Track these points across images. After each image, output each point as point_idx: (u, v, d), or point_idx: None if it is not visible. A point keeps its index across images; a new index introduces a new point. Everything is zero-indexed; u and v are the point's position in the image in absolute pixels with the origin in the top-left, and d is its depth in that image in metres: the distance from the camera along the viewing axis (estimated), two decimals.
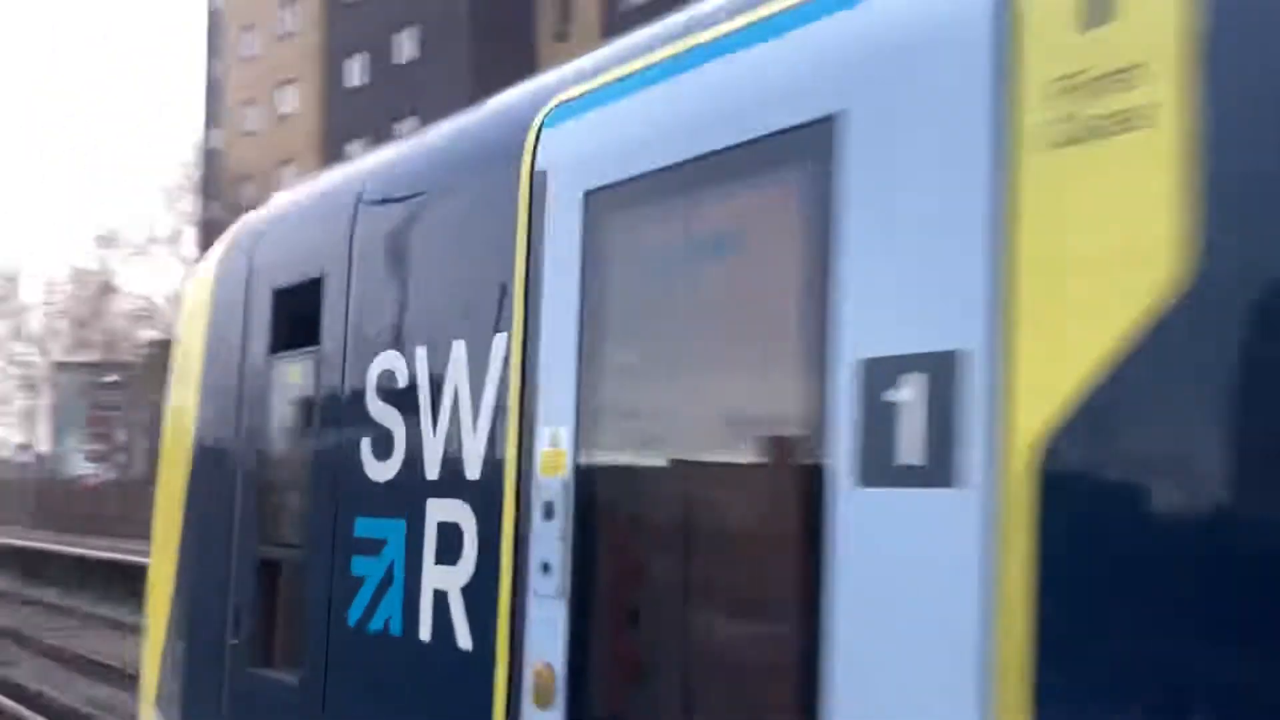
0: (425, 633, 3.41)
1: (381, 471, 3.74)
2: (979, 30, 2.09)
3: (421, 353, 3.59)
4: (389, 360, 3.74)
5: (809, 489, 2.28)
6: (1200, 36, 1.77)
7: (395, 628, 3.57)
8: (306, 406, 4.29)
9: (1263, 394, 1.67)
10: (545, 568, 2.92)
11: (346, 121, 46.99)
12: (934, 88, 2.19)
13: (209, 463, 5.00)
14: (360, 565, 3.77)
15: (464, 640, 3.25)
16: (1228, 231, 1.72)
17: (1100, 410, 1.83)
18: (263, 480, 4.58)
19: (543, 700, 2.88)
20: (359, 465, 3.82)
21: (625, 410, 2.93)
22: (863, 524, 2.19)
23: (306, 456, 4.29)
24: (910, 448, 2.11)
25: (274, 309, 4.52)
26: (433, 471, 3.48)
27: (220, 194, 54.56)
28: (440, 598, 3.37)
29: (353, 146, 40.88)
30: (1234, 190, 1.73)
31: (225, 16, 59.35)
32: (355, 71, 48.14)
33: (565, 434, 2.93)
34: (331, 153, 43.42)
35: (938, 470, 2.06)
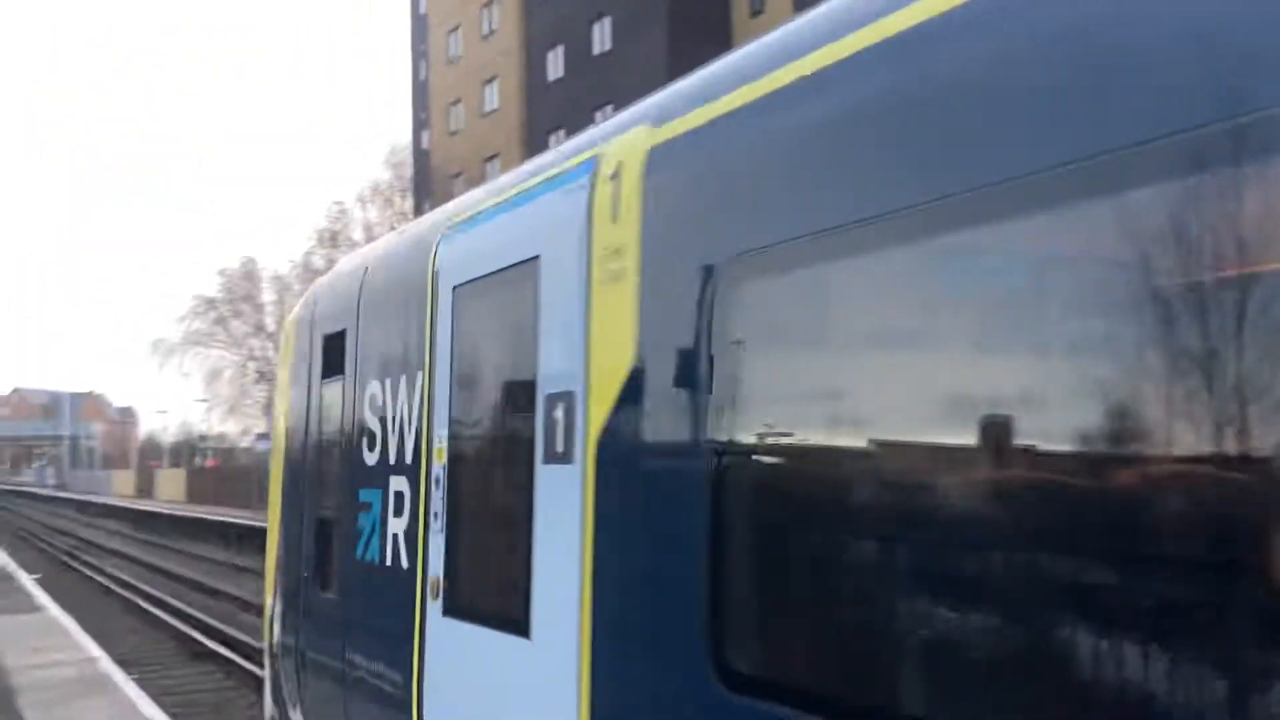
0: (389, 561, 5.32)
1: (371, 459, 5.66)
2: (580, 218, 3.88)
3: (388, 382, 5.51)
4: (374, 386, 5.70)
5: (529, 463, 4.04)
6: (643, 236, 3.54)
7: (376, 559, 5.49)
8: (339, 415, 6.23)
9: (677, 413, 3.36)
10: (436, 516, 4.82)
11: (548, 114, 48.20)
12: (565, 247, 3.95)
13: (292, 455, 7.14)
14: (361, 520, 5.69)
15: (404, 563, 5.12)
16: (652, 333, 3.46)
17: (614, 421, 3.60)
18: (319, 466, 6.61)
19: (434, 595, 4.76)
20: (361, 454, 5.77)
21: (463, 420, 4.77)
22: (545, 483, 3.96)
23: (338, 449, 6.22)
24: (559, 442, 3.87)
25: (324, 349, 6.52)
26: (392, 459, 5.38)
27: (431, 191, 56.99)
28: (394, 538, 5.27)
29: (555, 137, 41.90)
30: (655, 314, 3.46)
31: (430, 21, 61.82)
32: (554, 65, 49.26)
33: (444, 436, 4.83)
34: (535, 145, 44.64)
35: (566, 453, 3.82)
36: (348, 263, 6.99)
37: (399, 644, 5.02)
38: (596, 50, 46.23)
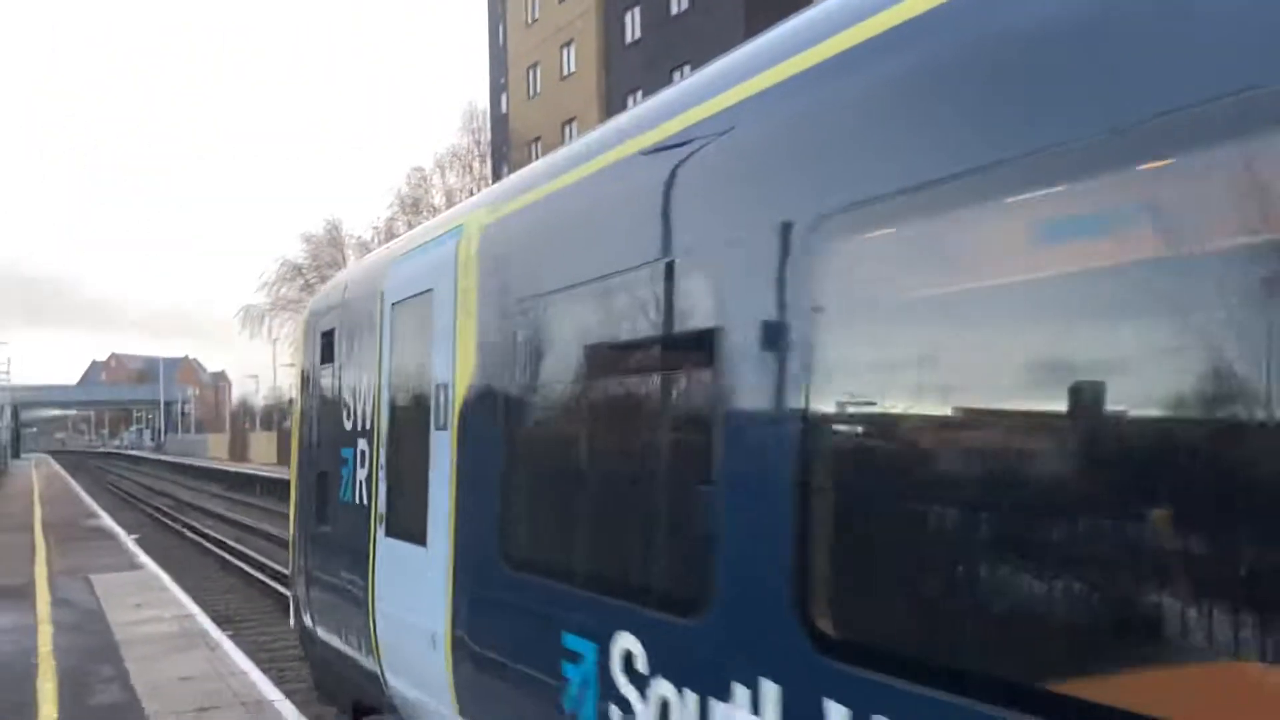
0: (357, 500, 7.15)
1: (348, 425, 7.47)
2: (452, 266, 5.68)
3: (358, 370, 7.38)
4: (350, 373, 7.58)
5: (429, 430, 5.79)
6: (479, 284, 5.46)
7: (349, 499, 7.35)
8: (330, 393, 8.15)
9: (491, 399, 5.22)
10: (380, 467, 6.72)
11: (626, 76, 47.96)
12: (445, 285, 5.78)
13: (304, 424, 9.02)
14: (343, 472, 7.57)
15: (366, 502, 6.95)
16: (482, 349, 5.31)
17: (465, 403, 5.41)
18: (319, 430, 8.50)
19: (379, 522, 6.66)
20: (342, 422, 7.64)
21: (395, 398, 6.61)
22: (435, 445, 5.72)
23: (329, 416, 8.11)
24: (441, 416, 5.64)
25: (320, 344, 8.49)
26: (360, 426, 7.21)
27: (509, 157, 57.19)
28: (360, 484, 7.13)
29: (633, 99, 41.64)
30: (483, 337, 5.30)
31: None
32: (631, 26, 48.92)
33: (385, 410, 6.71)
34: (614, 107, 44.47)
35: (444, 424, 5.60)
36: (337, 277, 9.23)
37: (362, 559, 6.99)
38: (674, 10, 45.77)
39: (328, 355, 8.38)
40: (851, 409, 3.20)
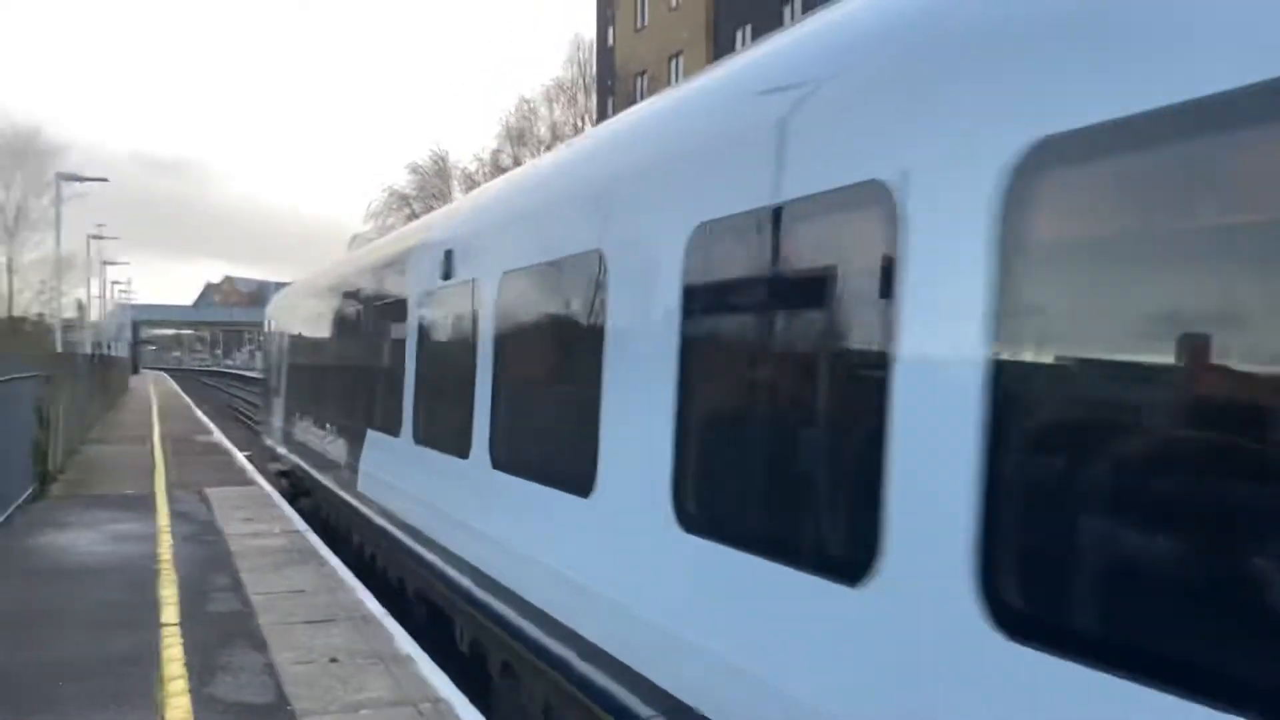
0: (275, 386, 22.90)
1: (273, 359, 23.38)
2: (275, 309, 25.30)
3: (277, 340, 22.47)
4: (272, 340, 23.66)
5: (283, 364, 21.61)
6: (279, 320, 23.08)
7: (274, 386, 22.79)
8: (268, 347, 25.14)
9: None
10: (276, 373, 23.65)
11: (735, 9, 47.14)
12: (281, 313, 23.57)
13: (264, 357, 28.28)
14: (274, 377, 23.17)
15: (275, 386, 23.06)
16: (290, 341, 20.75)
17: (289, 356, 21.86)
18: (269, 364, 24.34)
19: (277, 393, 22.51)
20: (271, 357, 23.78)
21: (279, 353, 22.26)
22: (285, 370, 22.24)
23: (271, 358, 23.89)
24: (283, 359, 22.68)
25: (267, 324, 24.86)
26: (274, 358, 23.47)
27: (615, 89, 56.82)
28: (274, 379, 23.41)
29: (742, 33, 40.93)
30: (289, 335, 21.38)
31: None
32: None
33: (276, 356, 22.67)
34: (721, 43, 43.78)
35: (283, 363, 22.71)
36: (279, 295, 23.29)
37: (273, 409, 22.25)
38: None
39: (267, 328, 23.24)
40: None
